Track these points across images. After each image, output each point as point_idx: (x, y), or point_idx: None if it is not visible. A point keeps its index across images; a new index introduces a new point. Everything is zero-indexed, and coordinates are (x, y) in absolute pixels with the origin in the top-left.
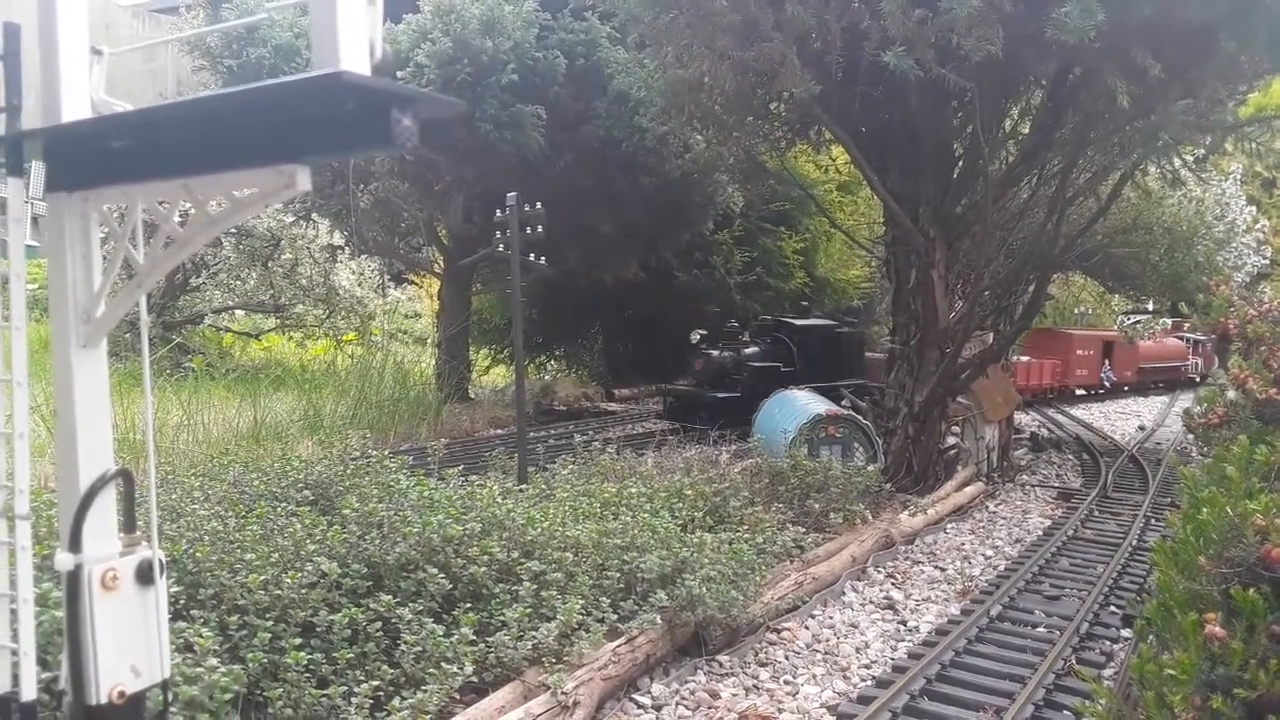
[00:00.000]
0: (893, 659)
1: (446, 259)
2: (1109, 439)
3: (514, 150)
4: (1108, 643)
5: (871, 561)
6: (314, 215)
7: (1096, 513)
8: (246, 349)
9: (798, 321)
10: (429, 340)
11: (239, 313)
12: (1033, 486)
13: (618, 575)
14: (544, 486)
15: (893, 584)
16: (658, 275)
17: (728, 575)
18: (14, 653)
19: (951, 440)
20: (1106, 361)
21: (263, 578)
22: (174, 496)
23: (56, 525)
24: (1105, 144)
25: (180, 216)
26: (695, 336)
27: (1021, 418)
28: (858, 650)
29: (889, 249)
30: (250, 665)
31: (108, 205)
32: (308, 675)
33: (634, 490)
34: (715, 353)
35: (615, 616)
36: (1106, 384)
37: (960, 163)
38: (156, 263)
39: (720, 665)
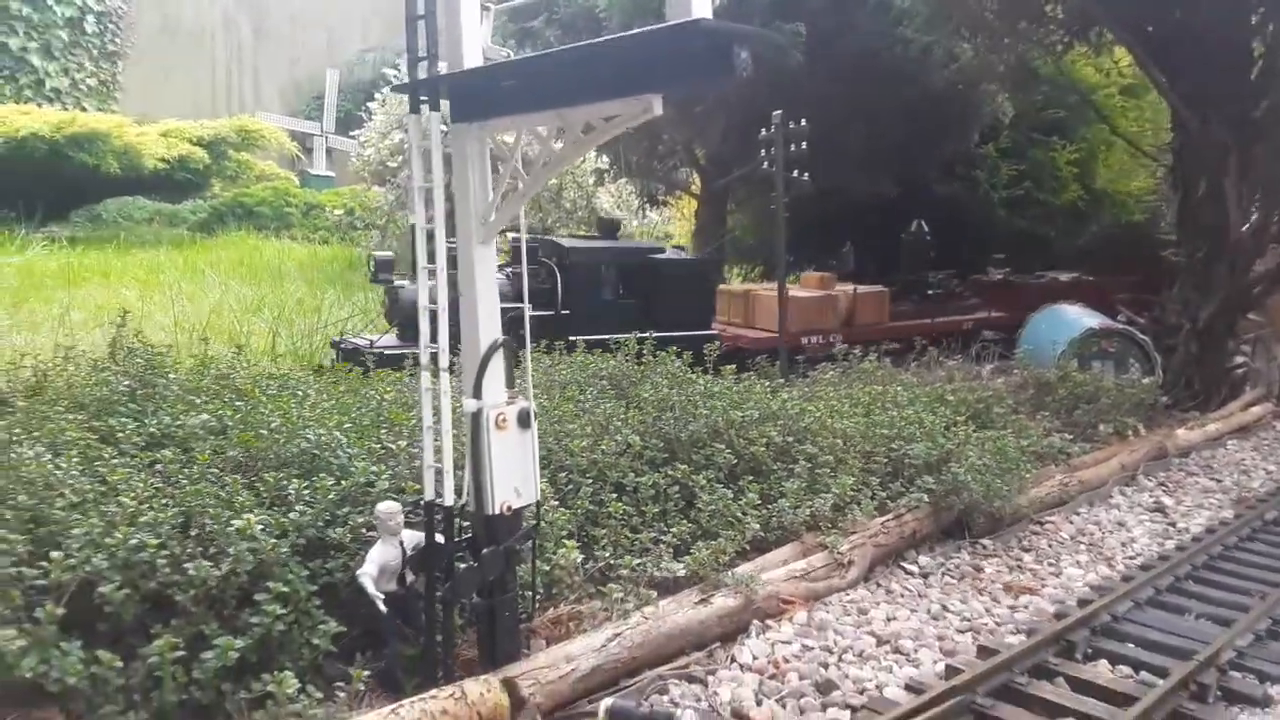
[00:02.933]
0: (1159, 553)
1: (703, 179)
2: None
3: (773, 69)
4: None
5: (1142, 470)
6: None
7: None
8: None
9: (571, 242)
10: None
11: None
12: None
13: (885, 461)
14: (806, 390)
15: (1164, 491)
16: (914, 191)
17: (993, 467)
18: (438, 470)
19: (1240, 359)
20: None
21: (583, 444)
22: None
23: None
24: None
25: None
26: (372, 261)
27: None
28: (1123, 545)
29: (1176, 156)
30: (577, 512)
31: (498, 132)
32: (623, 523)
33: (897, 390)
34: (410, 285)
35: (885, 494)
36: None
37: (1259, 63)
38: (536, 177)
39: (983, 547)
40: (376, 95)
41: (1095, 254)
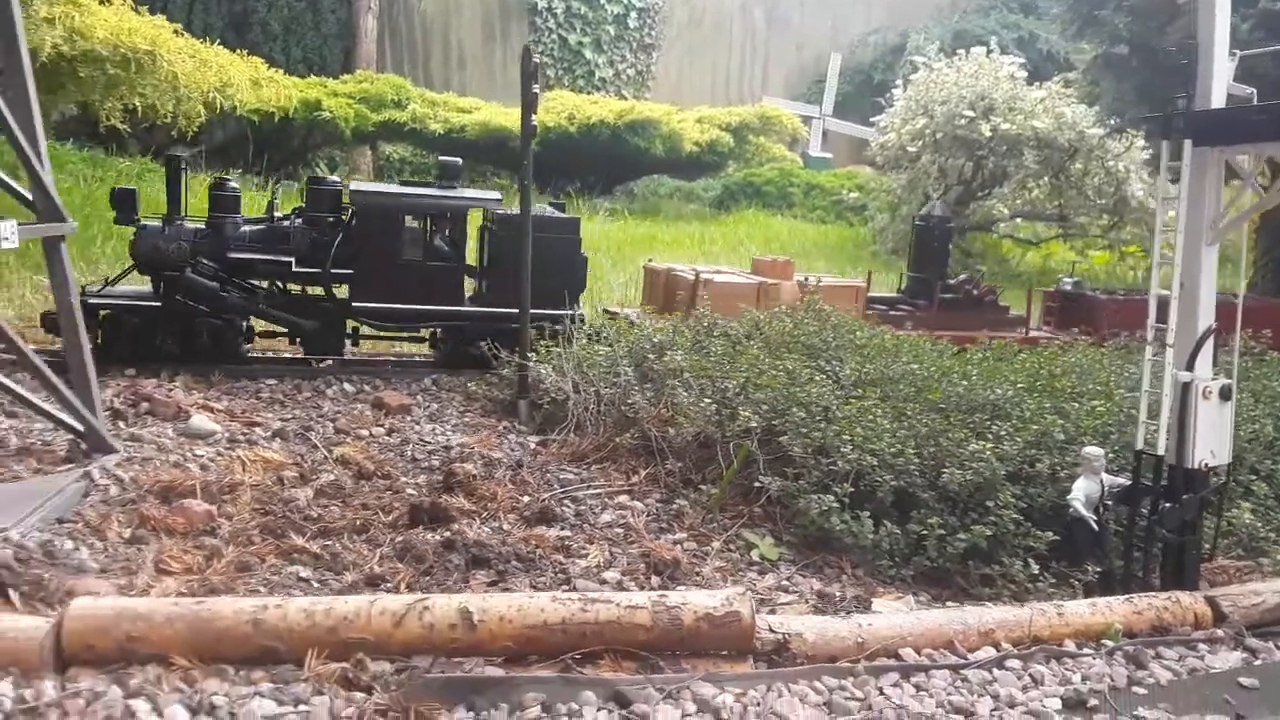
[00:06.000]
0: None
1: (1274, 172)
2: None
3: None
4: None
5: None
6: (1129, 130)
7: None
8: (1024, 256)
9: (361, 185)
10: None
11: (1019, 220)
12: None
13: None
14: None
15: None
16: None
17: None
18: (1152, 428)
19: None
20: None
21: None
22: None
23: None
24: None
25: None
26: (112, 198)
27: None
28: None
29: None
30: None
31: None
32: (1259, 502)
33: None
34: (157, 225)
35: None
36: None
37: None
38: (1275, 194)
39: None
40: (897, 81)
41: None
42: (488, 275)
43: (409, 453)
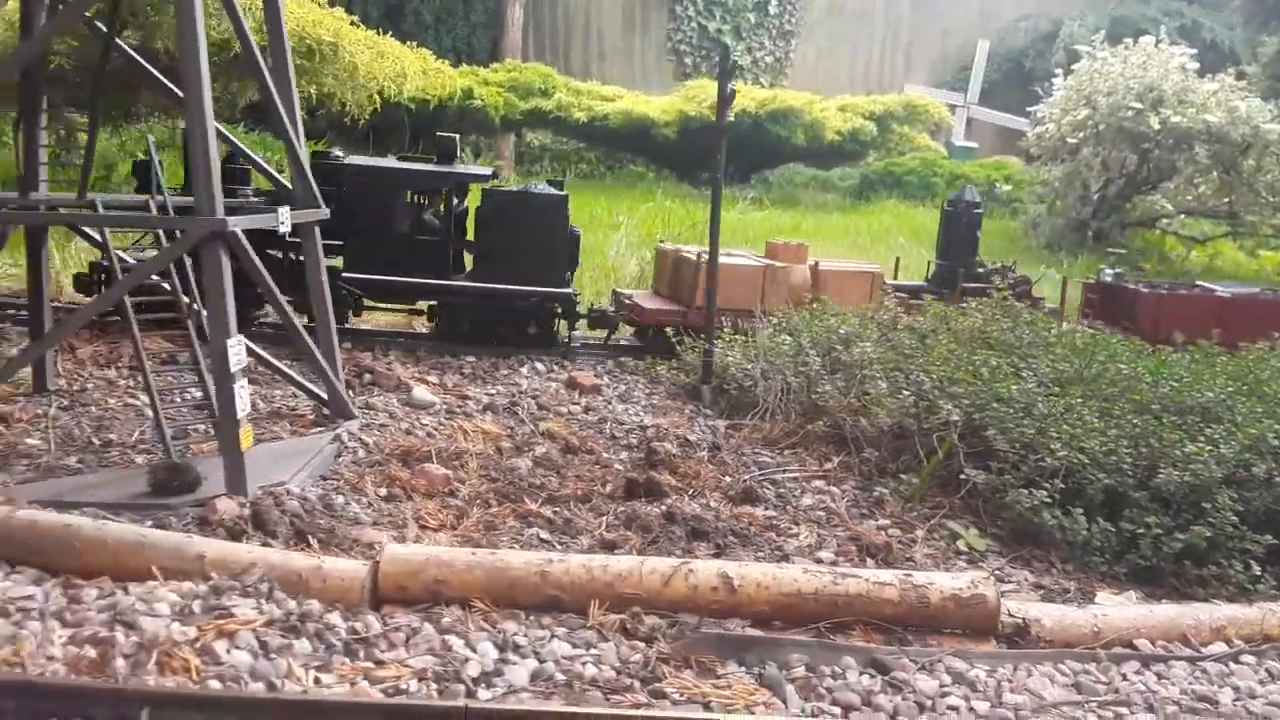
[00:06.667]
0: None
1: None
2: None
3: None
4: None
5: None
6: None
7: None
8: (1187, 255)
9: (356, 160)
10: None
11: (1182, 216)
12: None
13: None
14: None
15: None
16: None
17: None
18: None
19: None
20: None
21: None
22: None
23: None
24: None
25: None
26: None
27: None
28: None
29: None
30: None
31: None
32: None
33: None
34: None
35: None
36: None
37: None
38: None
39: None
40: (1056, 71)
41: None
42: (479, 251)
43: (607, 430)
